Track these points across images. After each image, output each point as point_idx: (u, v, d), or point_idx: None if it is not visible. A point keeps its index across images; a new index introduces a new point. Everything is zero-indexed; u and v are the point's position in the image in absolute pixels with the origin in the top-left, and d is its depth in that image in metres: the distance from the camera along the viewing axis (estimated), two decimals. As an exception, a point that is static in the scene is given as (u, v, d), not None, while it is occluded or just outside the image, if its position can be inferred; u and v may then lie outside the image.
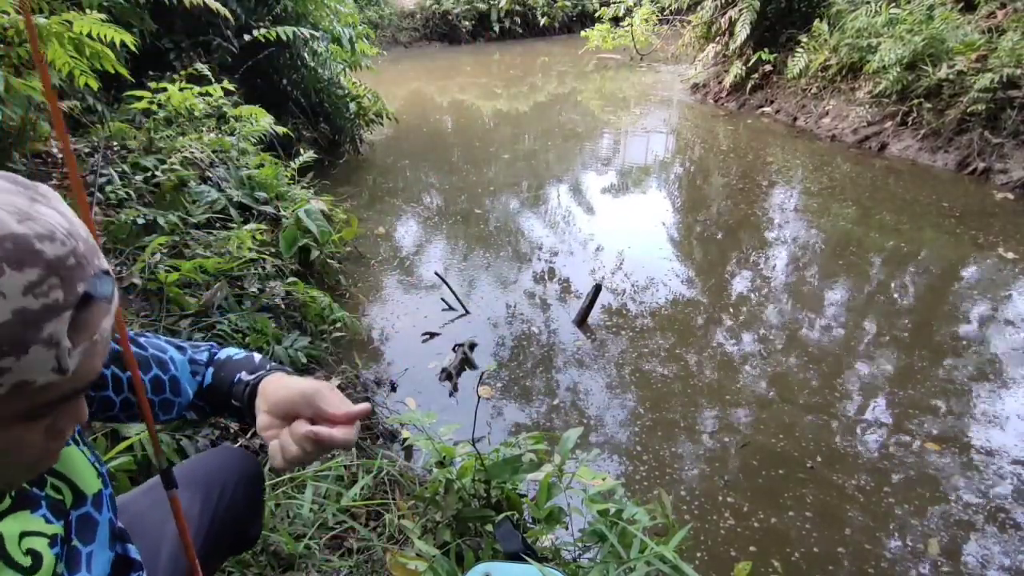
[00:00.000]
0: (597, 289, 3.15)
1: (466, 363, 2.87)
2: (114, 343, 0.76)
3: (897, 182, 4.96)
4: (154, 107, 3.27)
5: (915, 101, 5.38)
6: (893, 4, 6.06)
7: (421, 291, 3.53)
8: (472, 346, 2.97)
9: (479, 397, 2.47)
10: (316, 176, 4.39)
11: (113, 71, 2.56)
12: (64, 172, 2.66)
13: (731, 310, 3.30)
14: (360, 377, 2.64)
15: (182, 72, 3.56)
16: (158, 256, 2.23)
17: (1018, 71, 4.77)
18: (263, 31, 4.13)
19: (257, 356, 0.84)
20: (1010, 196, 4.55)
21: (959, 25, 5.51)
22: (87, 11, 2.58)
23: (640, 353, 2.93)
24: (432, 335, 3.09)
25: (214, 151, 3.28)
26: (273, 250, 2.88)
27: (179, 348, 0.83)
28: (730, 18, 7.22)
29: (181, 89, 3.34)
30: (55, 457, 0.56)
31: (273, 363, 0.83)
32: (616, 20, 10.99)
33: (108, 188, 2.59)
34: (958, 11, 5.72)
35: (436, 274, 3.51)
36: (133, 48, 2.65)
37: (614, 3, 11.06)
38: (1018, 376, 2.70)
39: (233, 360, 0.83)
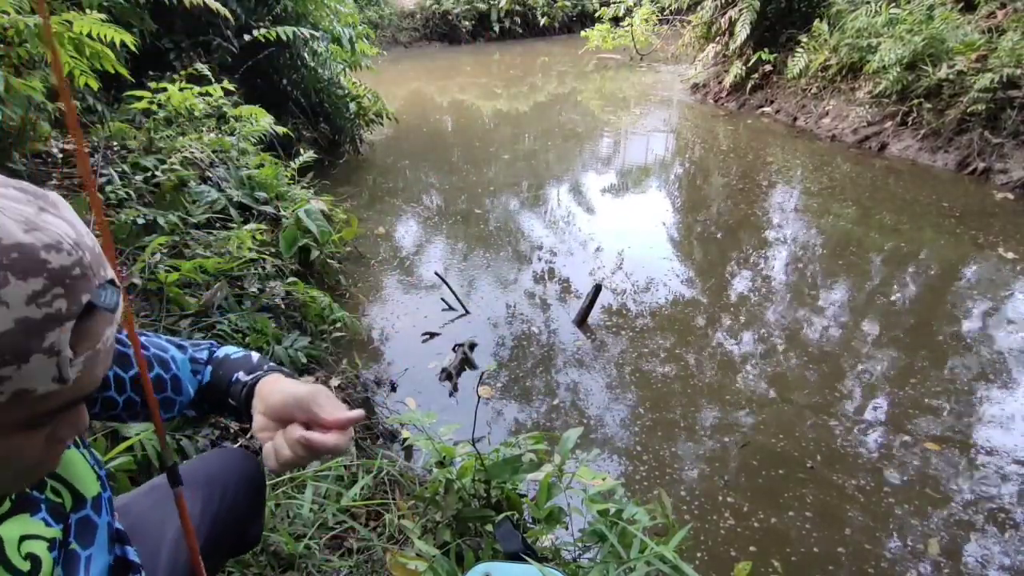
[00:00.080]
0: (597, 289, 3.15)
1: (466, 363, 2.87)
2: (119, 346, 0.76)
3: (897, 182, 4.96)
4: (154, 107, 3.27)
5: (915, 101, 5.38)
6: (893, 4, 6.06)
7: (421, 291, 3.53)
8: (472, 346, 2.97)
9: (479, 397, 2.47)
10: (316, 176, 4.39)
11: (113, 71, 2.56)
12: (64, 172, 2.66)
13: (731, 310, 3.30)
14: (360, 377, 2.64)
15: (182, 72, 3.56)
16: (158, 256, 2.23)
17: (1018, 71, 4.77)
18: (263, 31, 4.13)
19: (255, 356, 0.84)
20: (1010, 196, 4.55)
21: (959, 25, 5.51)
22: (87, 11, 2.58)
23: (640, 353, 2.93)
24: (432, 335, 3.09)
25: (214, 151, 3.28)
26: (273, 250, 2.88)
27: (179, 347, 0.83)
28: (730, 18, 7.22)
29: (181, 89, 3.34)
30: (55, 463, 0.56)
31: (271, 364, 0.83)
32: (616, 20, 10.99)
33: (108, 188, 2.59)
34: (958, 11, 5.72)
35: (436, 274, 3.51)
36: (133, 48, 2.65)
37: (614, 3, 11.06)
38: (1018, 376, 2.70)
39: (231, 359, 0.83)
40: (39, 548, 0.54)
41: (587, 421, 2.51)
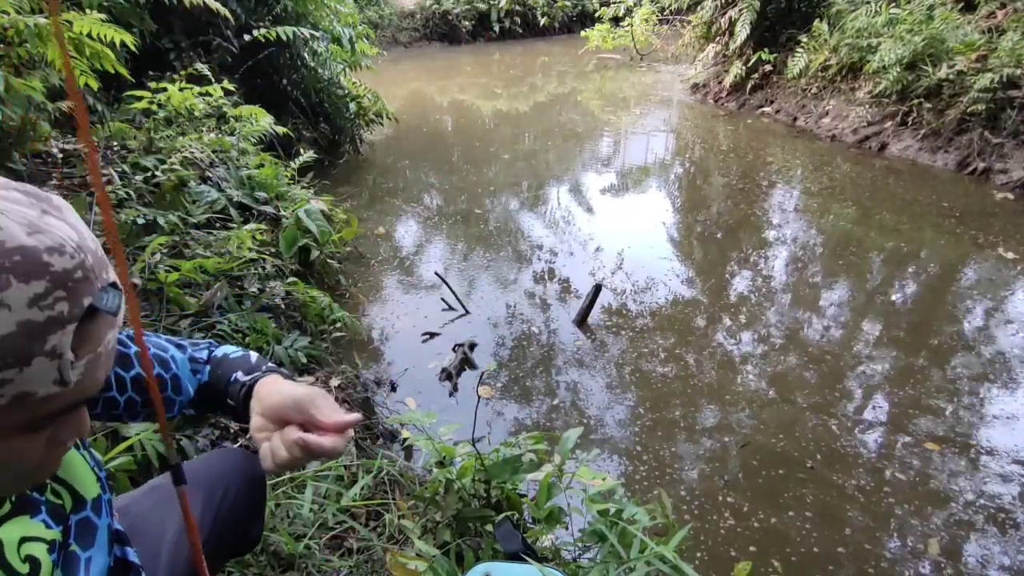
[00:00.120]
0: (597, 289, 3.15)
1: (466, 363, 2.87)
2: (120, 346, 0.76)
3: (897, 182, 4.96)
4: (154, 107, 3.27)
5: (915, 101, 5.38)
6: (893, 4, 6.06)
7: (421, 291, 3.53)
8: (472, 346, 2.97)
9: (479, 397, 2.47)
10: (316, 176, 4.39)
11: (113, 71, 2.56)
12: (64, 172, 2.66)
13: (731, 310, 3.30)
14: (360, 377, 2.64)
15: (182, 72, 3.56)
16: (158, 256, 2.23)
17: (1018, 71, 4.77)
18: (263, 31, 4.13)
19: (254, 356, 0.84)
20: (1010, 196, 4.55)
21: (959, 25, 5.51)
22: (87, 11, 2.58)
23: (640, 353, 2.93)
24: (432, 335, 3.09)
25: (214, 151, 3.28)
26: (273, 250, 2.88)
27: (179, 346, 0.83)
28: (730, 18, 7.22)
29: (181, 89, 3.34)
30: (56, 466, 0.56)
31: (269, 364, 0.83)
32: (616, 20, 10.99)
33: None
34: (958, 11, 5.72)
35: (436, 274, 3.51)
36: (133, 48, 2.65)
37: (614, 3, 11.06)
38: (1018, 376, 2.70)
39: (230, 359, 0.83)
40: (38, 550, 0.54)
41: (587, 421, 2.51)
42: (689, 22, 8.49)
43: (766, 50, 7.07)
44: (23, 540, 0.53)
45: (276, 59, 4.70)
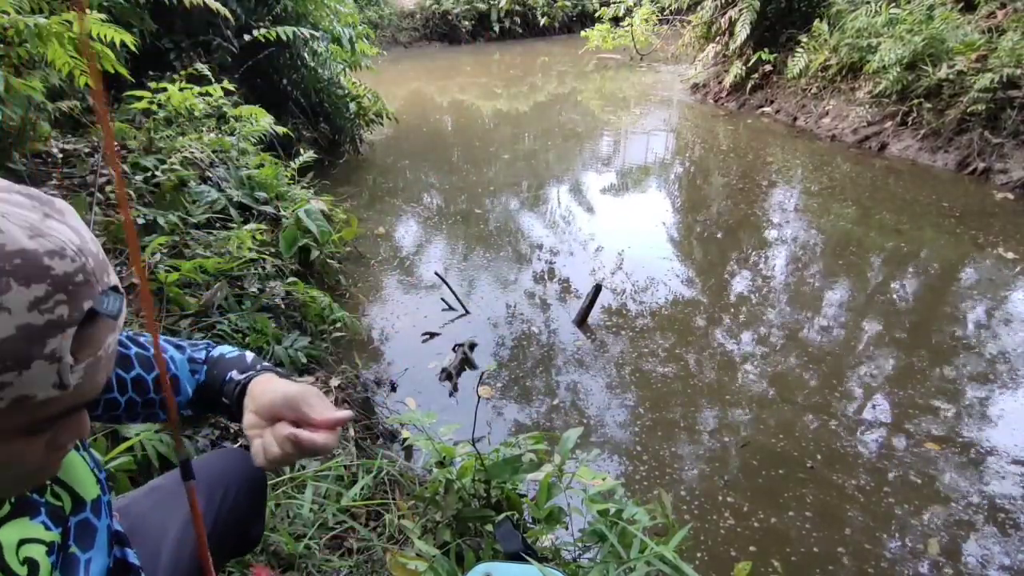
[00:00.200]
0: (597, 289, 3.15)
1: (466, 363, 2.87)
2: (120, 348, 0.76)
3: (897, 182, 4.96)
4: (154, 107, 3.27)
5: (915, 101, 5.38)
6: (893, 4, 6.06)
7: (421, 291, 3.53)
8: (472, 346, 2.97)
9: (479, 397, 2.47)
10: (316, 176, 4.39)
11: (113, 71, 2.56)
12: (64, 172, 2.66)
13: (731, 310, 3.30)
14: (360, 377, 2.64)
15: (182, 72, 3.56)
16: (158, 256, 2.23)
17: (1018, 71, 4.77)
18: (263, 31, 4.13)
19: (250, 355, 0.84)
20: (1010, 196, 4.55)
21: (959, 25, 5.51)
22: (87, 11, 2.58)
23: (640, 353, 2.93)
24: (432, 335, 3.09)
25: (214, 151, 3.28)
26: (273, 250, 2.88)
27: (178, 347, 0.83)
28: (730, 18, 7.22)
29: (181, 89, 3.34)
30: (56, 468, 0.56)
31: (265, 363, 0.83)
32: (616, 20, 10.99)
33: (108, 188, 2.59)
34: (958, 11, 5.72)
35: (436, 274, 3.51)
36: (133, 48, 2.65)
37: (614, 3, 11.06)
38: (1018, 376, 2.70)
39: (226, 358, 0.83)
40: (37, 552, 0.54)
41: (587, 421, 2.51)
42: (689, 22, 8.49)
43: (766, 50, 7.07)
44: (22, 542, 0.53)
45: (276, 59, 4.70)
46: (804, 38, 6.61)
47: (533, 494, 1.53)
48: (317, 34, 4.59)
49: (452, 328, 3.16)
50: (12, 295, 0.42)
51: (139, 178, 2.73)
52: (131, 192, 2.64)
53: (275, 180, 3.36)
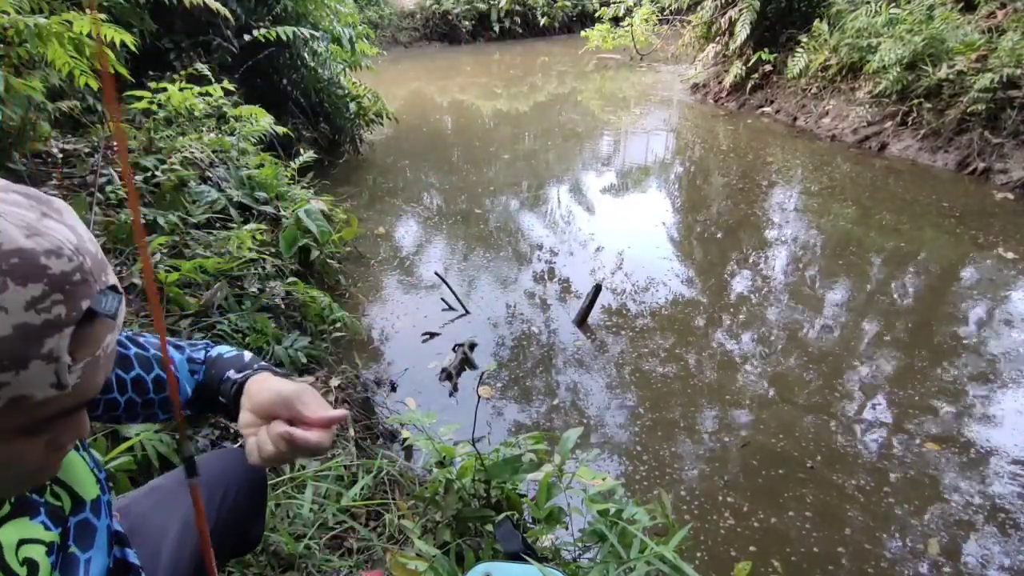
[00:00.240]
0: (597, 289, 3.15)
1: (466, 363, 2.87)
2: (120, 347, 0.76)
3: (897, 182, 4.96)
4: (154, 107, 3.27)
5: (915, 101, 5.38)
6: (893, 4, 6.06)
7: (421, 291, 3.53)
8: (472, 346, 2.97)
9: (479, 397, 2.47)
10: (316, 176, 4.39)
11: (113, 71, 2.56)
12: (64, 172, 2.66)
13: (731, 310, 3.30)
14: (360, 377, 2.64)
15: (182, 72, 3.56)
16: (158, 256, 2.23)
17: (1018, 71, 4.77)
18: (263, 31, 4.13)
19: (247, 355, 0.84)
20: (1010, 196, 4.55)
21: (959, 25, 5.51)
22: (87, 11, 2.58)
23: (640, 353, 2.93)
24: (432, 335, 3.09)
25: (214, 151, 3.28)
26: (273, 250, 2.88)
27: (177, 347, 0.83)
28: (730, 18, 7.22)
29: (181, 89, 3.34)
30: (56, 468, 0.56)
31: (262, 362, 0.83)
32: (616, 20, 10.99)
33: (108, 188, 2.60)
34: (958, 11, 5.72)
35: (436, 274, 3.51)
36: (133, 48, 2.65)
37: (614, 3, 11.06)
38: (1018, 376, 2.70)
39: (224, 358, 0.83)
40: (37, 553, 0.54)
41: (587, 421, 2.51)
42: (689, 22, 8.49)
43: (766, 50, 7.07)
44: (22, 542, 0.53)
45: (276, 59, 4.70)
46: (804, 38, 6.61)
47: (533, 494, 1.54)
48: (317, 34, 4.59)
49: (452, 328, 3.16)
50: (9, 294, 0.42)
51: (139, 178, 2.73)
52: (131, 192, 2.63)
53: (275, 180, 3.36)
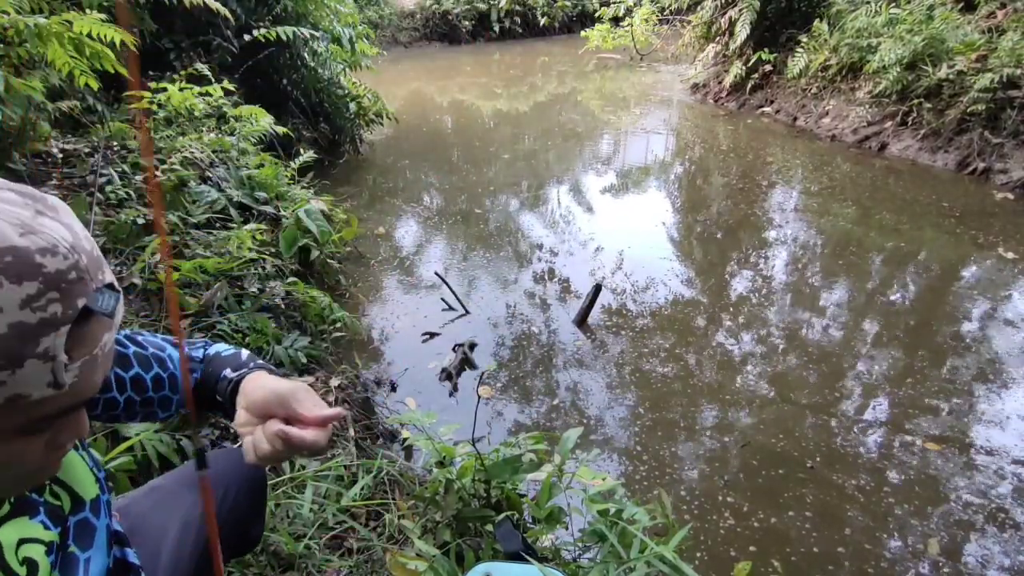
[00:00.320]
0: (597, 289, 3.15)
1: (466, 363, 2.87)
2: (119, 347, 0.76)
3: (897, 182, 4.96)
4: (154, 107, 3.27)
5: (915, 101, 5.38)
6: (893, 4, 6.06)
7: (421, 291, 3.53)
8: (472, 346, 2.97)
9: (479, 397, 2.47)
10: (316, 176, 4.39)
11: (113, 71, 2.56)
12: (64, 172, 2.66)
13: (731, 310, 3.30)
14: (360, 377, 2.64)
15: (182, 72, 3.56)
16: (158, 256, 2.23)
17: (1018, 71, 4.77)
18: (263, 31, 4.13)
19: (245, 353, 0.84)
20: (1010, 196, 4.55)
21: (959, 25, 5.51)
22: (87, 11, 2.58)
23: (640, 353, 2.93)
24: (432, 335, 3.09)
25: (214, 151, 3.28)
26: (273, 250, 2.88)
27: (176, 346, 0.83)
28: (730, 18, 7.22)
29: (181, 89, 3.34)
30: (56, 468, 0.56)
31: (259, 361, 0.83)
32: (616, 20, 10.99)
33: (108, 188, 2.59)
34: (958, 11, 5.72)
35: (436, 274, 3.51)
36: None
37: (614, 3, 11.06)
38: (1018, 376, 2.70)
39: (221, 356, 0.83)
40: (36, 552, 0.54)
41: (587, 421, 2.51)
42: (689, 22, 8.49)
43: (766, 50, 7.07)
44: (21, 542, 0.53)
45: (276, 59, 4.70)
46: (804, 38, 6.61)
47: (533, 494, 1.54)
48: (317, 34, 4.59)
49: (452, 328, 3.16)
50: (3, 293, 0.42)
51: (139, 178, 2.73)
52: (131, 192, 2.64)
53: (275, 180, 3.36)
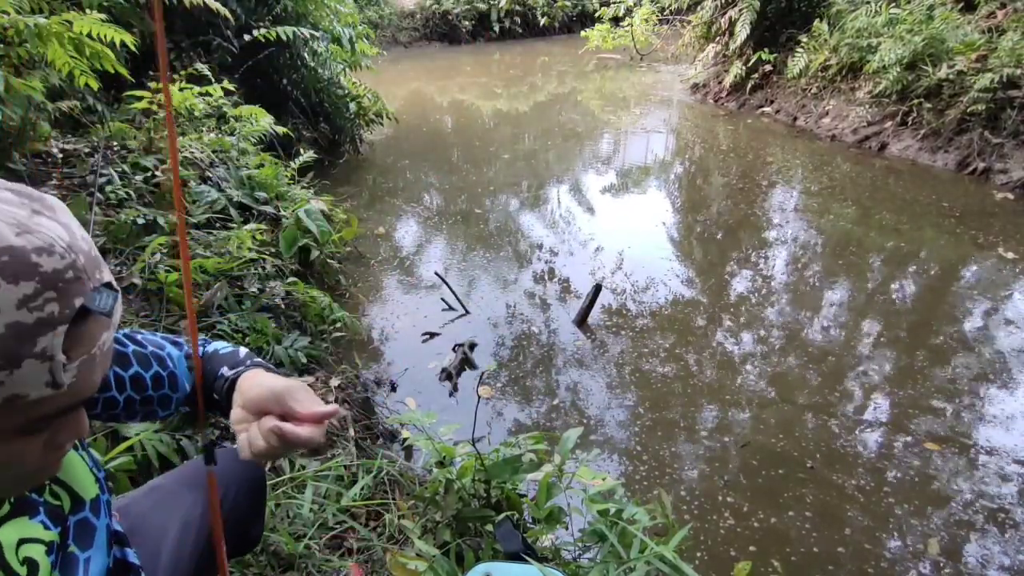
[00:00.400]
0: (597, 289, 3.15)
1: (466, 363, 2.87)
2: (118, 346, 0.76)
3: (897, 182, 4.96)
4: (154, 107, 3.27)
5: (915, 101, 5.38)
6: (893, 4, 6.06)
7: (421, 291, 3.53)
8: (472, 346, 2.97)
9: (479, 397, 2.47)
10: (316, 176, 4.39)
11: (113, 71, 2.56)
12: (64, 172, 2.66)
13: (731, 310, 3.30)
14: (360, 377, 2.64)
15: (182, 72, 3.56)
16: (158, 256, 2.23)
17: (1018, 71, 4.77)
18: (263, 31, 4.13)
19: (242, 351, 0.84)
20: (1010, 196, 4.55)
21: (959, 25, 5.51)
22: (87, 11, 2.58)
23: (640, 353, 2.93)
24: (432, 335, 3.09)
25: (214, 151, 3.28)
26: (273, 250, 2.88)
27: (175, 344, 0.83)
28: (730, 18, 7.22)
29: (181, 89, 3.34)
30: (56, 468, 0.56)
31: (257, 359, 0.83)
32: (616, 20, 10.99)
33: (108, 188, 2.59)
34: (958, 11, 5.72)
35: (436, 274, 3.51)
36: (133, 48, 2.65)
37: (614, 3, 11.06)
38: (1018, 376, 2.70)
39: (219, 355, 0.83)
40: (36, 552, 0.54)
41: (587, 421, 2.51)
42: (689, 22, 8.49)
43: (766, 50, 7.07)
44: (21, 542, 0.53)
45: (276, 59, 4.70)
46: (804, 38, 6.61)
47: (533, 494, 1.53)
48: (317, 34, 4.59)
49: (452, 328, 3.16)
50: (0, 293, 0.42)
51: (139, 178, 2.73)
52: (131, 192, 2.64)
53: (275, 180, 3.36)
